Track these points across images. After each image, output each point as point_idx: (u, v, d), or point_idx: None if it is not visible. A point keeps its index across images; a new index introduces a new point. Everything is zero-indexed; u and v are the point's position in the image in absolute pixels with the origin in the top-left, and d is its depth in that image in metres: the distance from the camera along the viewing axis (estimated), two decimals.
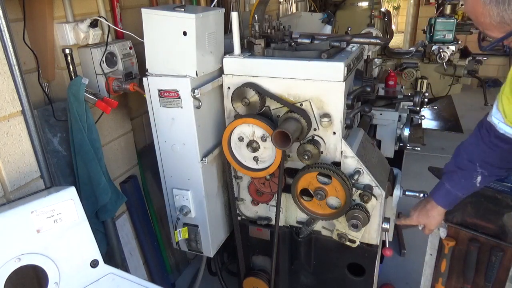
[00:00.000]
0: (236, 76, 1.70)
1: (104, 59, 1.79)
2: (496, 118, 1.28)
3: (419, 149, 2.43)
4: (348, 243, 1.75)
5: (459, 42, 4.04)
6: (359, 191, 1.64)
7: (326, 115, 1.60)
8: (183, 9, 1.53)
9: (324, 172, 1.60)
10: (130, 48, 1.96)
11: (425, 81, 4.09)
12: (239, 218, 2.02)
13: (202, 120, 1.71)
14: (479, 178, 1.41)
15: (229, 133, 1.73)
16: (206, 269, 2.47)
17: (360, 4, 4.40)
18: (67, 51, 1.65)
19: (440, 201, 1.52)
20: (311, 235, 1.88)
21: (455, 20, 3.99)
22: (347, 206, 1.62)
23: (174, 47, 1.56)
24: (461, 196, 1.47)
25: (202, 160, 1.74)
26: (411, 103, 2.41)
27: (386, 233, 1.78)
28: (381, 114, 2.29)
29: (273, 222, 1.91)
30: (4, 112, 1.28)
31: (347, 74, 1.57)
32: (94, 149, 1.65)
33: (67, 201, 1.21)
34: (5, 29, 1.23)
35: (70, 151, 1.67)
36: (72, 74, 1.67)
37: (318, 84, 1.57)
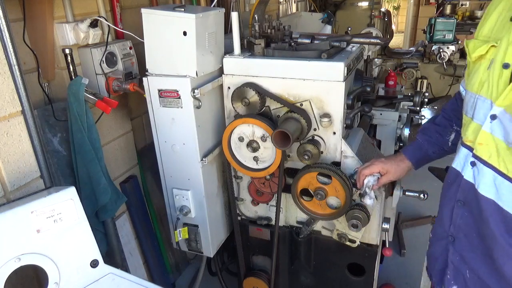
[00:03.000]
0: (236, 76, 1.70)
1: (104, 59, 1.79)
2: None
3: None
4: (348, 243, 1.75)
5: (459, 42, 4.04)
6: (359, 191, 1.64)
7: (326, 115, 1.60)
8: (183, 9, 1.52)
9: (324, 172, 1.60)
10: (130, 48, 1.96)
11: (425, 81, 4.09)
12: (239, 218, 2.02)
13: (202, 120, 1.71)
14: (452, 136, 1.43)
15: (229, 133, 1.73)
16: (206, 269, 2.47)
17: (360, 4, 4.40)
18: (67, 51, 1.65)
19: (409, 154, 1.52)
20: (311, 235, 1.88)
21: (455, 20, 3.99)
22: (347, 206, 1.62)
23: (174, 47, 1.56)
24: (431, 154, 1.48)
25: (202, 160, 1.74)
26: (411, 103, 2.41)
27: (386, 233, 1.78)
28: (381, 114, 2.29)
29: (273, 222, 1.91)
30: (4, 112, 1.28)
31: (347, 74, 1.57)
32: (94, 149, 1.65)
33: (67, 201, 1.20)
34: (5, 29, 1.23)
35: (70, 151, 1.67)
36: (72, 74, 1.67)
37: (318, 84, 1.57)
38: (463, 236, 1.22)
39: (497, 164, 1.06)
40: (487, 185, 1.09)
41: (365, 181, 1.52)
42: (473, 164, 1.14)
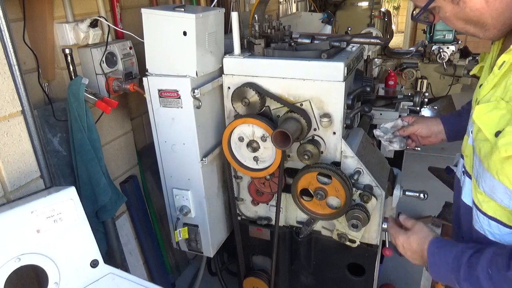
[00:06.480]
0: (236, 76, 1.70)
1: (104, 59, 1.79)
2: None
3: (419, 149, 2.42)
4: (348, 243, 1.75)
5: (459, 42, 4.03)
6: (359, 191, 1.64)
7: (326, 115, 1.59)
8: (183, 9, 1.53)
9: (324, 172, 1.60)
10: (130, 48, 1.96)
11: (425, 81, 4.08)
12: (239, 218, 2.02)
13: (202, 120, 1.71)
14: None
15: (229, 133, 1.73)
16: (206, 269, 2.47)
17: (360, 4, 4.40)
18: (67, 51, 1.65)
19: (444, 118, 1.56)
20: (311, 235, 1.88)
21: None
22: (347, 206, 1.62)
23: (174, 47, 1.56)
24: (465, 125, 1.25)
25: (202, 160, 1.74)
26: (411, 103, 2.41)
27: (386, 233, 1.78)
28: (381, 114, 2.29)
29: (273, 222, 1.91)
30: (4, 112, 1.28)
31: (347, 74, 1.57)
32: (94, 149, 1.65)
33: (67, 201, 1.20)
34: (5, 29, 1.23)
35: (70, 151, 1.67)
36: (72, 74, 1.67)
37: (318, 84, 1.57)
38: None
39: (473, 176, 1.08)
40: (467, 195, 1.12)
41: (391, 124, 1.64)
42: (463, 173, 1.17)
